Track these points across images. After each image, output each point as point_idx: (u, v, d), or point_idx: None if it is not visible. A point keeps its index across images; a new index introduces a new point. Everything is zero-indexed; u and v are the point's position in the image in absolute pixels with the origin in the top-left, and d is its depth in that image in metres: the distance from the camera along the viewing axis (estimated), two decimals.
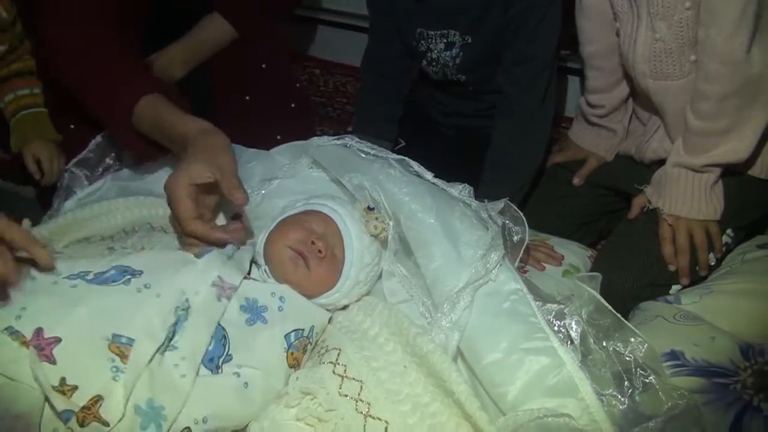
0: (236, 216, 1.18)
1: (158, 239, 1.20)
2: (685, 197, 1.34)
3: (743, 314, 1.20)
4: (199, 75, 1.59)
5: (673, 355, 1.11)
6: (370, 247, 1.14)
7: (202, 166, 1.08)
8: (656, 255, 1.37)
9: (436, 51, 1.51)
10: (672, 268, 1.36)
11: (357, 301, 1.15)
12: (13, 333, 0.89)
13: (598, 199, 1.59)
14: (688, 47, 1.28)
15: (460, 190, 1.21)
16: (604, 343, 0.99)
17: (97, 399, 0.86)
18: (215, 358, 0.96)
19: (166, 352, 0.93)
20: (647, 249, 1.37)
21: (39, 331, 0.89)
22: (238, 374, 0.97)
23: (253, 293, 1.04)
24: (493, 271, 1.06)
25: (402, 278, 1.15)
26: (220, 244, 1.09)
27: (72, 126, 1.51)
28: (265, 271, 1.10)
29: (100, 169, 1.40)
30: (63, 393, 0.86)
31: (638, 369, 0.96)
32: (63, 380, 0.87)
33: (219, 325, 0.98)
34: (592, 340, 0.99)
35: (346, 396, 0.97)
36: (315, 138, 1.35)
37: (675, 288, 1.35)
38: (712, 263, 1.37)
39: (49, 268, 0.97)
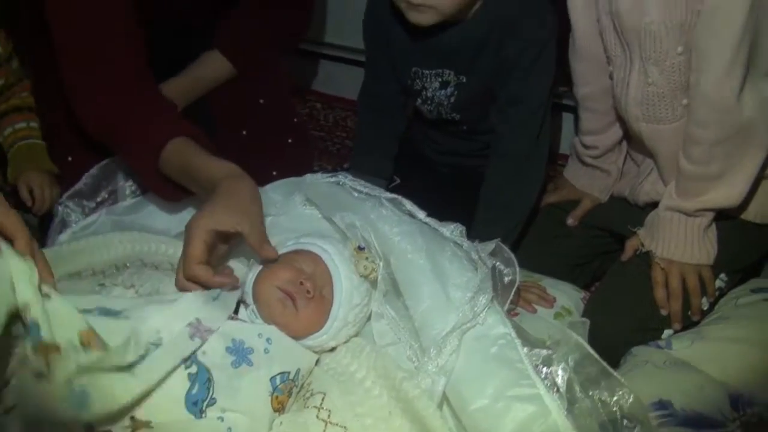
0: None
1: (149, 276, 1.18)
2: (678, 241, 1.33)
3: (734, 362, 1.19)
4: (196, 109, 1.60)
5: (661, 405, 1.10)
6: (359, 287, 1.13)
7: (229, 214, 1.08)
8: (649, 298, 1.36)
9: (431, 89, 1.52)
10: (664, 312, 1.35)
11: (345, 342, 1.14)
12: None
13: (592, 241, 1.59)
14: (681, 91, 1.28)
15: (452, 230, 1.21)
16: (591, 392, 0.98)
17: None
18: (199, 402, 0.95)
19: None
20: (640, 292, 1.37)
21: None
22: (222, 419, 0.96)
23: (240, 334, 1.03)
24: (481, 315, 1.06)
25: (390, 320, 1.14)
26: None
27: (69, 158, 1.51)
28: (252, 311, 1.10)
29: (95, 203, 1.41)
30: None
31: (624, 420, 0.96)
32: None
33: (204, 367, 0.98)
34: (578, 389, 0.99)
35: None
36: (308, 175, 1.36)
37: (667, 332, 1.35)
38: (705, 308, 1.37)
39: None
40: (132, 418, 0.92)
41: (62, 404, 0.85)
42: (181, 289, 1.09)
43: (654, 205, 1.40)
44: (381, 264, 1.14)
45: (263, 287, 1.09)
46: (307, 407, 1.01)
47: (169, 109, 1.33)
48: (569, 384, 0.99)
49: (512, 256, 1.18)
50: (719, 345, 1.22)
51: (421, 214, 1.23)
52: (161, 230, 1.32)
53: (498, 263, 1.17)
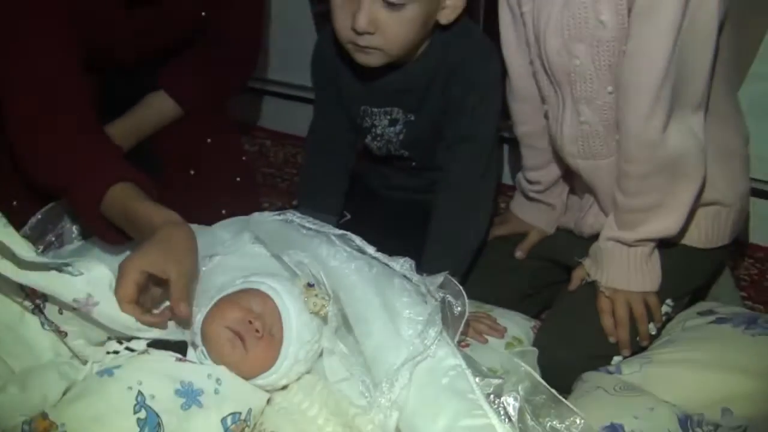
0: None
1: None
2: (621, 270, 1.36)
3: (683, 384, 1.21)
4: (143, 149, 1.59)
5: (613, 429, 1.11)
6: (309, 324, 1.13)
7: (162, 258, 1.08)
8: (597, 326, 1.37)
9: (380, 127, 1.53)
10: (612, 339, 1.37)
11: (297, 380, 1.13)
12: None
13: (540, 272, 1.61)
14: (614, 128, 1.31)
15: (401, 264, 1.22)
16: (542, 420, 0.99)
17: None
18: None
19: None
20: (588, 321, 1.38)
21: None
22: None
23: (189, 376, 1.02)
24: (432, 347, 1.06)
25: (342, 356, 1.14)
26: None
27: (14, 203, 1.49)
28: (202, 352, 1.08)
29: (41, 247, 1.38)
30: None
31: None
32: None
33: (152, 412, 0.97)
34: (529, 417, 0.99)
35: None
36: (256, 214, 1.35)
37: (616, 359, 1.36)
38: (653, 333, 1.38)
39: None
40: None
41: None
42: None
43: (598, 236, 1.42)
44: (331, 300, 1.14)
45: (211, 327, 1.08)
46: None
47: (113, 154, 1.32)
48: (521, 413, 0.99)
49: (461, 288, 1.19)
50: (668, 368, 1.24)
51: (371, 249, 1.23)
52: None
53: (447, 296, 1.18)
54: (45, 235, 1.39)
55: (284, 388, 1.12)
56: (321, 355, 1.16)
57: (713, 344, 1.30)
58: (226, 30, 1.63)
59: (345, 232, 1.25)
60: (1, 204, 1.45)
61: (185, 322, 1.11)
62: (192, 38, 1.62)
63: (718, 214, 1.39)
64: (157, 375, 1.01)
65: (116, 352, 1.06)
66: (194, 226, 1.35)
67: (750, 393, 1.18)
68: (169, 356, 1.06)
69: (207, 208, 1.51)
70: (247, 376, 1.08)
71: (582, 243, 1.49)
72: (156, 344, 1.08)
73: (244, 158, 1.73)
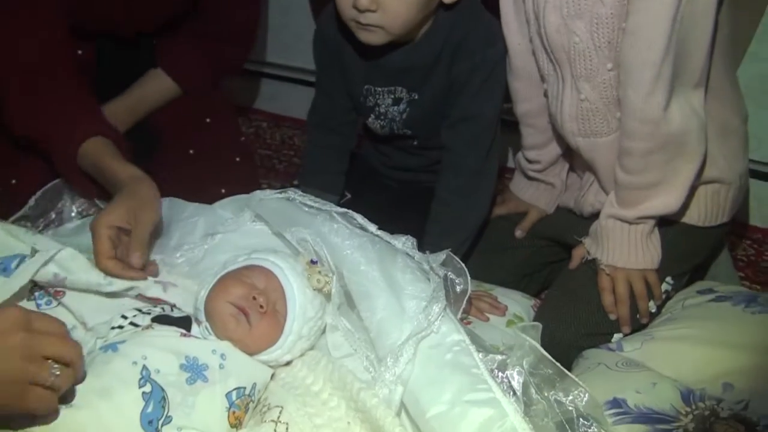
0: None
1: None
2: (622, 248, 1.36)
3: (684, 360, 1.22)
4: (143, 128, 1.59)
5: (616, 403, 1.12)
6: (313, 301, 1.13)
7: (125, 212, 1.16)
8: (597, 304, 1.38)
9: (383, 106, 1.53)
10: (613, 317, 1.37)
11: (300, 356, 1.13)
12: None
13: (540, 251, 1.61)
14: (614, 105, 1.31)
15: (403, 242, 1.21)
16: (546, 393, 0.99)
17: None
18: (154, 421, 0.94)
19: None
20: (588, 299, 1.39)
21: None
22: None
23: (193, 351, 1.02)
24: (435, 323, 1.06)
25: (345, 332, 1.14)
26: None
27: (13, 181, 1.48)
28: (206, 328, 1.08)
29: (41, 225, 1.38)
30: None
31: (580, 419, 0.97)
32: None
33: (158, 386, 0.96)
34: (533, 390, 0.99)
35: None
36: (258, 191, 1.34)
37: (617, 336, 1.37)
38: (653, 311, 1.39)
39: None
40: None
41: None
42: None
43: (598, 214, 1.43)
44: (334, 277, 1.14)
45: (215, 303, 1.08)
46: (265, 421, 1.00)
47: (90, 111, 1.39)
48: (525, 386, 0.99)
49: (463, 265, 1.19)
50: (669, 344, 1.25)
51: (372, 228, 1.23)
52: None
53: (449, 273, 1.18)
54: (45, 213, 1.38)
55: (288, 363, 1.13)
56: (324, 331, 1.17)
57: (714, 322, 1.31)
58: (224, 4, 1.62)
59: (347, 210, 1.25)
60: (1, 183, 1.47)
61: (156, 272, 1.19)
62: (189, 9, 1.62)
63: (718, 192, 1.40)
64: (161, 350, 1.01)
65: (120, 327, 1.06)
66: (195, 205, 1.37)
67: (751, 369, 1.18)
68: (174, 331, 1.06)
69: (207, 187, 1.52)
70: (252, 352, 1.08)
71: (582, 222, 1.49)
72: (160, 319, 1.08)
73: (242, 138, 1.72)
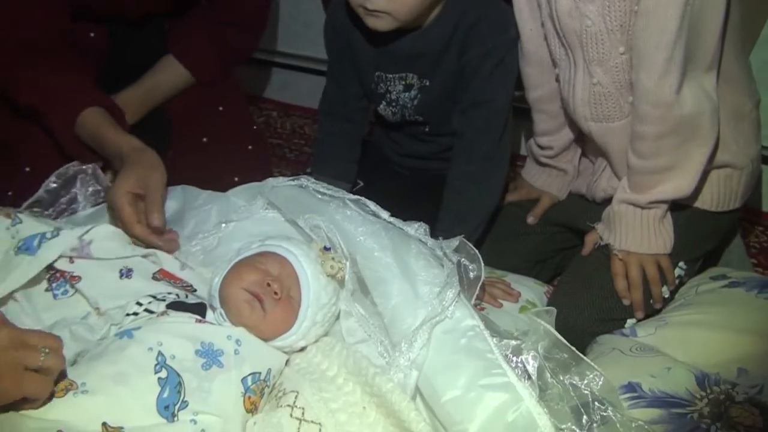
0: None
1: None
2: (634, 233, 1.36)
3: (698, 344, 1.22)
4: (155, 116, 1.59)
5: (631, 387, 1.12)
6: (326, 287, 1.13)
7: (135, 179, 1.24)
8: (610, 290, 1.38)
9: (395, 92, 1.53)
10: (626, 302, 1.37)
11: (315, 342, 1.14)
12: None
13: (552, 237, 1.61)
14: (626, 89, 1.30)
15: (416, 229, 1.21)
16: (561, 378, 1.00)
17: None
18: (170, 406, 0.95)
19: None
20: (601, 284, 1.39)
21: None
22: (194, 421, 0.95)
23: (208, 337, 1.03)
24: (450, 309, 1.06)
25: (359, 318, 1.14)
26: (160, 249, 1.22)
27: (27, 169, 1.49)
28: (220, 314, 1.09)
29: (54, 212, 1.38)
30: None
31: (596, 402, 0.97)
32: None
33: (173, 371, 0.97)
34: (549, 375, 1.00)
35: None
36: (270, 179, 1.35)
37: (630, 322, 1.37)
38: (666, 296, 1.39)
39: None
40: (104, 424, 0.92)
41: None
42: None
43: (611, 200, 1.42)
44: (348, 263, 1.15)
45: (230, 290, 1.09)
46: (281, 406, 1.01)
47: (87, 82, 1.43)
48: (540, 371, 1.00)
49: (476, 251, 1.18)
50: (683, 330, 1.25)
51: (385, 214, 1.23)
52: None
53: (463, 259, 1.18)
54: (57, 200, 1.38)
55: (302, 350, 1.13)
56: (338, 318, 1.17)
57: (727, 307, 1.30)
58: None
59: (359, 197, 1.25)
60: (14, 170, 1.48)
61: (172, 245, 1.25)
62: None
63: (730, 176, 1.39)
64: (177, 336, 1.02)
65: (135, 314, 1.06)
66: (208, 193, 1.38)
67: (765, 353, 1.18)
68: (189, 317, 1.06)
69: (220, 175, 1.52)
70: (266, 338, 1.08)
71: (594, 208, 1.49)
72: (175, 306, 1.08)
73: (255, 127, 1.72)
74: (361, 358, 1.05)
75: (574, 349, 1.01)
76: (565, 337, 1.06)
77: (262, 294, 1.08)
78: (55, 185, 1.35)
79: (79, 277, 1.14)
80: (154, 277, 1.17)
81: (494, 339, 1.04)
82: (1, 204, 1.32)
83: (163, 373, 0.97)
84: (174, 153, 1.53)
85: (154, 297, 1.10)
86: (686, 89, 1.24)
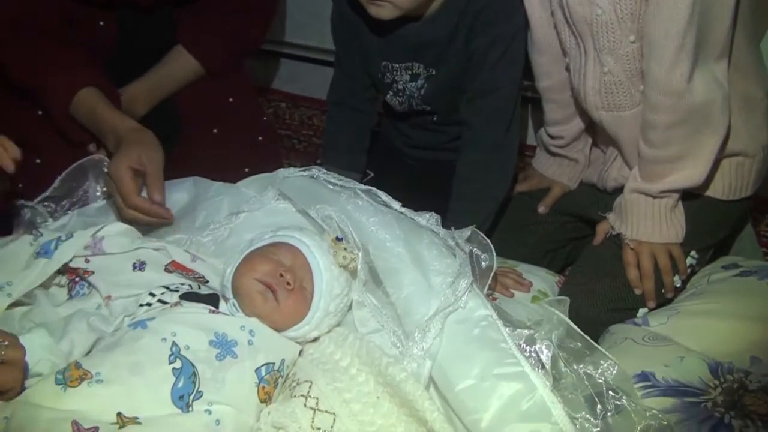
0: None
1: None
2: (646, 222, 1.36)
3: (710, 333, 1.21)
4: (166, 109, 1.59)
5: (644, 377, 1.12)
6: (339, 277, 1.13)
7: (136, 155, 1.26)
8: (622, 279, 1.38)
9: (401, 82, 1.52)
10: (638, 291, 1.37)
11: (328, 332, 1.14)
12: None
13: (563, 227, 1.61)
14: (637, 78, 1.30)
15: (427, 219, 1.21)
16: (575, 367, 1.00)
17: None
18: (185, 396, 0.96)
19: None
20: (613, 274, 1.39)
21: None
22: (209, 411, 0.96)
23: (222, 327, 1.03)
24: (463, 298, 1.06)
25: (372, 308, 1.14)
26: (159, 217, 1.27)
27: (38, 161, 1.49)
28: (233, 305, 1.09)
29: (66, 204, 1.39)
30: None
31: (610, 391, 0.97)
32: None
33: (188, 362, 0.98)
34: (563, 364, 1.00)
35: (319, 429, 0.98)
36: (281, 170, 1.35)
37: (642, 311, 1.37)
38: (678, 285, 1.39)
39: None
40: (119, 414, 0.92)
41: None
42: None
43: (622, 189, 1.42)
44: (360, 254, 1.15)
45: (243, 280, 1.09)
46: (295, 396, 1.01)
47: (83, 62, 1.44)
48: (554, 360, 1.00)
49: (488, 241, 1.18)
50: (695, 319, 1.24)
51: (396, 205, 1.23)
52: None
53: (475, 249, 1.18)
54: (70, 194, 1.38)
55: (315, 340, 1.13)
56: (350, 308, 1.17)
57: (739, 296, 1.30)
58: None
59: (370, 187, 1.25)
60: (24, 162, 1.47)
61: (170, 215, 1.29)
62: None
63: (741, 165, 1.39)
64: (191, 326, 1.02)
65: (149, 305, 1.07)
66: (219, 184, 1.38)
67: None
68: (202, 308, 1.07)
69: (231, 167, 1.52)
70: (279, 328, 1.08)
71: (605, 197, 1.49)
72: (188, 297, 1.09)
73: (265, 118, 1.72)
74: (374, 348, 1.05)
75: (587, 338, 1.01)
76: (577, 327, 1.06)
77: (275, 284, 1.08)
78: (67, 179, 1.35)
79: (93, 272, 1.15)
80: (167, 269, 1.18)
81: (507, 328, 1.04)
82: (12, 196, 1.33)
83: (178, 364, 0.98)
84: (185, 145, 1.53)
85: (167, 288, 1.11)
86: (697, 78, 1.24)
